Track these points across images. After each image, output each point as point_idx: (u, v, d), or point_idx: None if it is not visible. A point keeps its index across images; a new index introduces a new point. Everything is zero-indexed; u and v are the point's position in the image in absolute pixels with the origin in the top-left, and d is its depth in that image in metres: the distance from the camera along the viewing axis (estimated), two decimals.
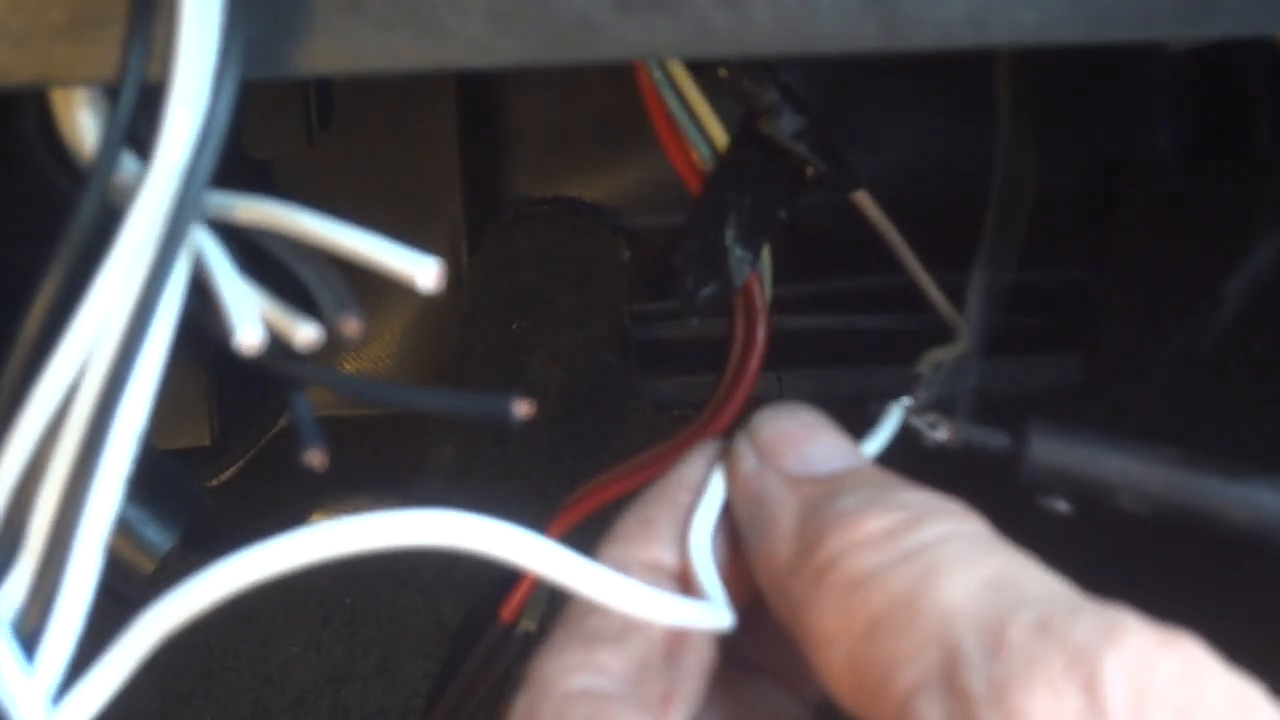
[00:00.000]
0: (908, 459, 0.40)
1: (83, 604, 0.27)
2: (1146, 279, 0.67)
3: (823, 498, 0.31)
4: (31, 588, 0.27)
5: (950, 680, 0.25)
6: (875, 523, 0.29)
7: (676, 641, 0.32)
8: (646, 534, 0.34)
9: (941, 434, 0.41)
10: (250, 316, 0.28)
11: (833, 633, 0.28)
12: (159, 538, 0.45)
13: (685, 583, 0.33)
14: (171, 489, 0.46)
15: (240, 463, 0.73)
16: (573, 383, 0.70)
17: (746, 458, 0.34)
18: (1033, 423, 0.41)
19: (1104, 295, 0.68)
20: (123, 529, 0.44)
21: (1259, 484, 0.39)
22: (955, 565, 0.27)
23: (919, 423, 0.42)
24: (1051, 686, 0.24)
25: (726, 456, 0.35)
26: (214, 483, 0.73)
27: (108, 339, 0.27)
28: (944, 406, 0.42)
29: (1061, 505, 0.41)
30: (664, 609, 0.30)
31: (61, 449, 0.27)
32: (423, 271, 0.29)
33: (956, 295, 0.53)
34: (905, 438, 0.42)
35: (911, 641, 0.26)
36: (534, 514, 0.68)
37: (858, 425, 0.48)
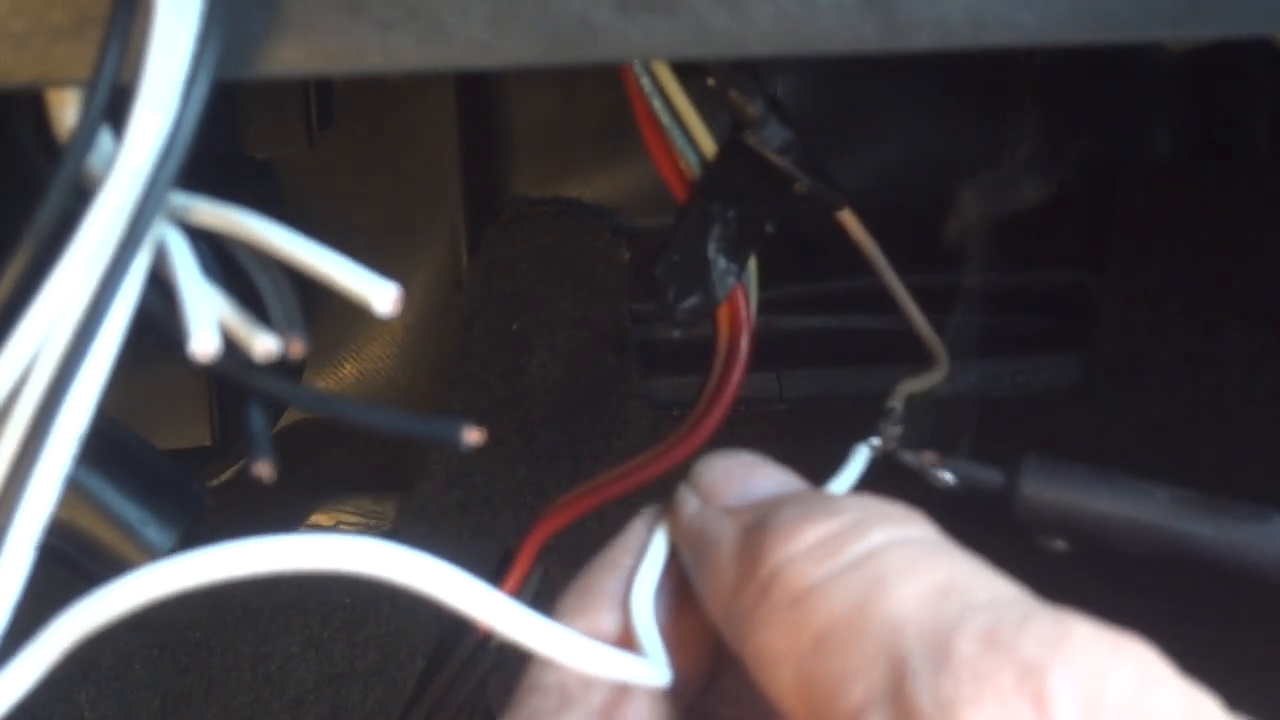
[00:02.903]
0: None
1: (10, 600, 0.27)
2: (1146, 279, 0.67)
3: (762, 515, 0.30)
4: None
5: (898, 695, 0.24)
6: (815, 531, 0.28)
7: (614, 713, 0.31)
8: (584, 603, 0.33)
9: (945, 475, 0.41)
10: (208, 323, 0.28)
11: (780, 650, 0.27)
12: (159, 537, 0.45)
13: (628, 648, 0.32)
14: (172, 489, 0.46)
15: (241, 463, 0.73)
16: (572, 382, 0.70)
17: (688, 502, 0.33)
18: (1027, 459, 0.41)
19: (1104, 295, 0.68)
20: (123, 529, 0.44)
21: (1252, 522, 0.39)
22: (901, 573, 0.26)
23: (916, 461, 0.41)
24: (1000, 702, 0.23)
25: (668, 509, 0.34)
26: (215, 482, 0.73)
27: (57, 337, 0.27)
28: (941, 442, 0.42)
29: (1059, 544, 0.41)
30: (594, 659, 0.29)
31: (2, 443, 0.27)
32: (380, 295, 0.28)
33: (944, 302, 0.53)
34: (907, 478, 0.41)
35: (859, 656, 0.25)
36: (534, 513, 0.69)
37: (856, 425, 0.48)
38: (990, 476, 0.41)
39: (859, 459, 0.41)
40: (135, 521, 0.44)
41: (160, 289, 0.29)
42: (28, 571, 0.27)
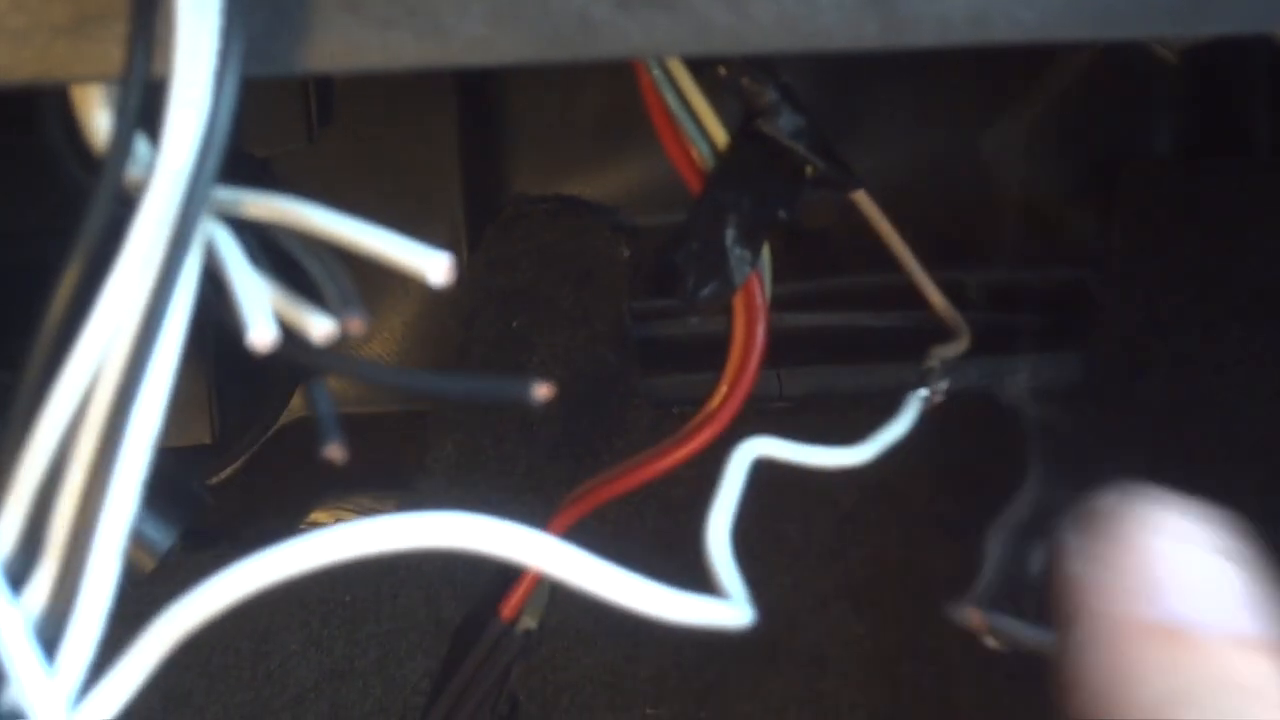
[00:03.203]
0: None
1: (102, 608, 0.27)
2: (1146, 278, 0.67)
3: (1166, 698, 0.24)
4: (53, 591, 0.27)
5: None
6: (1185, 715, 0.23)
7: None
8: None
9: (989, 641, 0.40)
10: (263, 313, 0.28)
11: None
12: (159, 535, 0.45)
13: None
14: (172, 487, 0.46)
15: (241, 460, 0.73)
16: (572, 381, 0.70)
17: (1108, 587, 0.26)
18: None
19: (1103, 294, 0.68)
20: None
21: None
22: None
23: (963, 619, 0.40)
24: None
25: (1087, 558, 0.27)
26: (215, 480, 0.73)
27: (120, 343, 0.27)
28: (989, 601, 0.40)
29: None
30: (675, 606, 0.30)
31: (79, 452, 0.27)
32: (433, 266, 0.29)
33: (955, 292, 0.53)
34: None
35: None
36: (533, 511, 0.69)
37: (858, 423, 0.49)
38: (1039, 637, 0.39)
39: (911, 409, 0.41)
40: (135, 519, 0.44)
41: (210, 282, 0.29)
42: (116, 581, 0.27)
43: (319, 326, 0.28)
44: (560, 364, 0.70)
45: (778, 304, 0.59)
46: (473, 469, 0.70)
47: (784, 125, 0.44)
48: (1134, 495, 0.27)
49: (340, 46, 0.30)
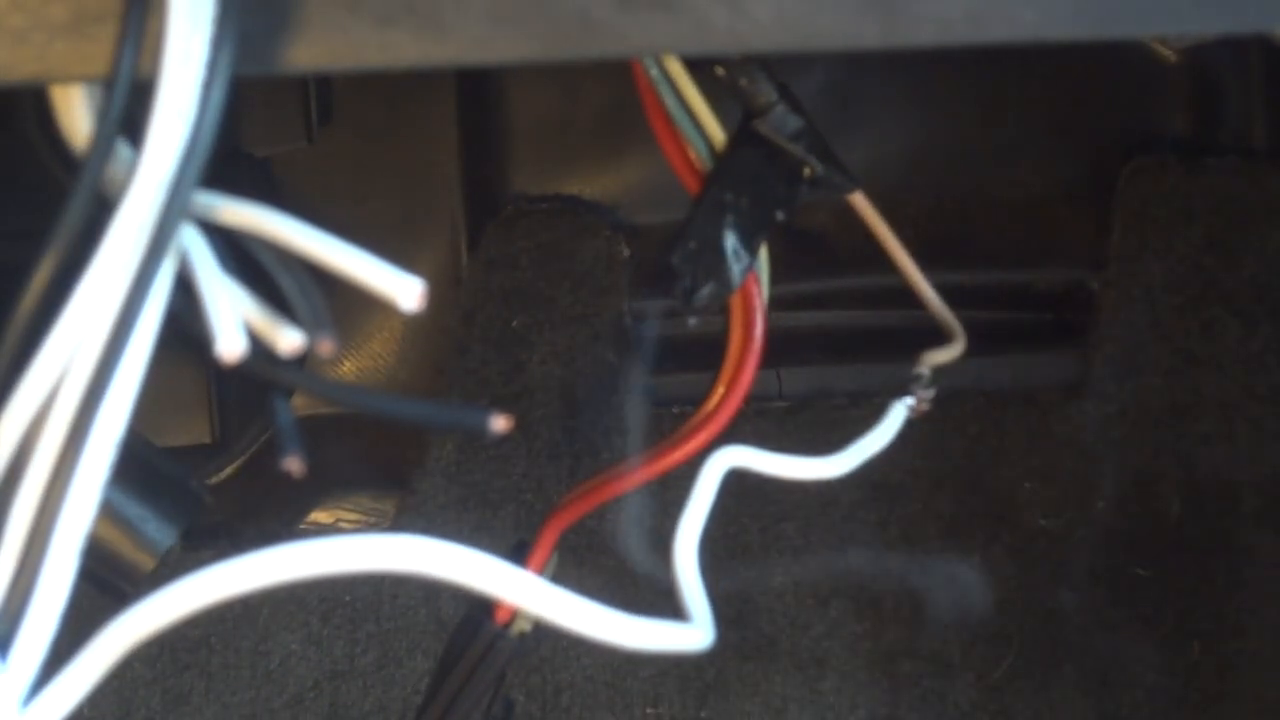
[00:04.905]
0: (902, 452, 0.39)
1: (58, 606, 0.27)
2: (1146, 276, 0.67)
3: None
4: (7, 589, 0.27)
5: None
6: None
7: None
8: None
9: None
10: (233, 323, 0.28)
11: None
12: (159, 535, 0.45)
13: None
14: (172, 487, 0.46)
15: (241, 460, 0.73)
16: (572, 380, 0.70)
17: None
18: None
19: (1104, 292, 0.68)
20: (123, 526, 0.44)
21: None
22: None
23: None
24: None
25: None
26: (214, 480, 0.73)
27: (91, 342, 0.27)
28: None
29: None
30: (633, 633, 0.30)
31: (41, 450, 0.27)
32: (405, 291, 0.28)
33: (952, 295, 0.53)
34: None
35: None
36: (533, 510, 0.69)
37: (857, 421, 0.48)
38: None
39: (896, 417, 0.41)
40: (135, 519, 0.44)
41: (181, 288, 0.29)
42: (73, 581, 0.27)
43: (287, 339, 0.28)
44: (560, 363, 0.70)
45: (776, 304, 0.59)
46: (473, 469, 0.70)
47: (782, 126, 0.43)
48: None
49: (340, 45, 0.30)
